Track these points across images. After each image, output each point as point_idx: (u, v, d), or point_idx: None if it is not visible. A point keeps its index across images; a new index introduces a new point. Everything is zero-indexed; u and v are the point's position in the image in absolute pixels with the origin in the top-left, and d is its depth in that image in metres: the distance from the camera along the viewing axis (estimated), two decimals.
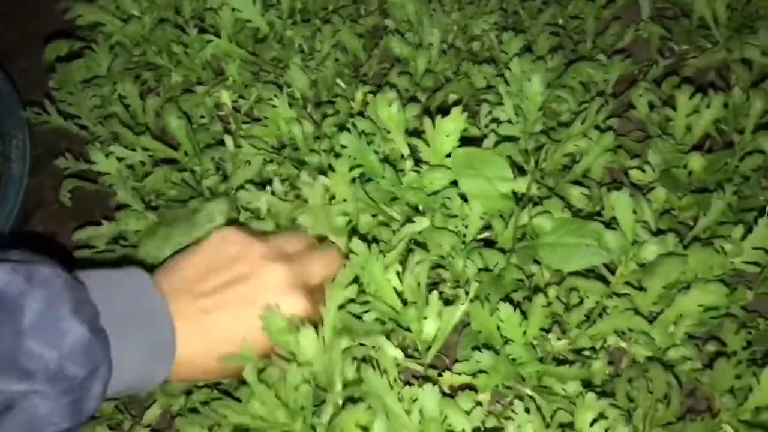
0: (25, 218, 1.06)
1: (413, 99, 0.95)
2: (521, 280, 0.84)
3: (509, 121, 0.91)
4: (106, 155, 0.94)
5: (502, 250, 0.83)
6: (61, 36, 1.06)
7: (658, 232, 0.82)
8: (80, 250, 0.95)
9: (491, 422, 0.76)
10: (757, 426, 0.72)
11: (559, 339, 0.79)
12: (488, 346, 0.74)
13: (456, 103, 0.84)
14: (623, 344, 0.83)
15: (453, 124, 0.79)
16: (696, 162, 0.87)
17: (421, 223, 0.78)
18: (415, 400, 0.69)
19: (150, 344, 0.63)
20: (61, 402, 0.53)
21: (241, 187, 0.86)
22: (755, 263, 0.84)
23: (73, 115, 1.02)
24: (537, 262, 0.84)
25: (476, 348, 0.73)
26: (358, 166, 0.82)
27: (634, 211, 0.83)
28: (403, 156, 0.85)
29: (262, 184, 0.89)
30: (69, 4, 1.04)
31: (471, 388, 0.79)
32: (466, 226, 0.81)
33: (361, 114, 0.93)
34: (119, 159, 0.95)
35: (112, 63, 1.01)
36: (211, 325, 0.68)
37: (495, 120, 0.90)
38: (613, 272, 0.85)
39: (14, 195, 0.95)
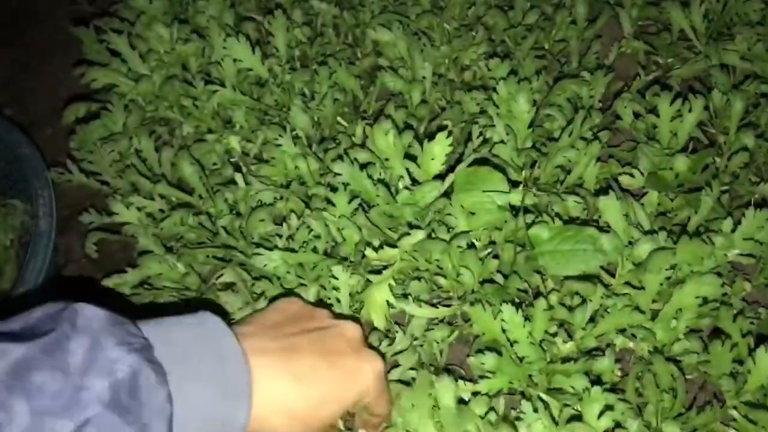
0: (57, 274, 1.12)
1: (409, 127, 1.01)
2: (524, 291, 0.88)
3: (502, 141, 0.96)
4: (127, 206, 1.00)
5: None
6: (78, 99, 1.13)
7: (651, 233, 0.86)
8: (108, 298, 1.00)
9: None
10: (761, 406, 0.74)
11: (565, 342, 0.83)
12: (492, 348, 0.77)
13: (441, 129, 0.89)
14: (631, 344, 0.86)
15: (438, 147, 0.85)
16: (681, 163, 0.91)
17: (417, 235, 0.82)
18: None
19: (220, 378, 0.58)
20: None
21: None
22: (750, 255, 0.87)
23: (95, 172, 1.09)
24: (537, 272, 0.88)
25: (480, 351, 0.77)
26: (356, 197, 0.87)
27: (627, 215, 0.87)
28: (401, 177, 0.90)
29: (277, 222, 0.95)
30: (84, 69, 1.12)
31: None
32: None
33: (361, 146, 0.99)
34: (139, 209, 1.01)
35: (126, 120, 1.08)
36: (297, 363, 0.64)
37: (486, 140, 0.95)
38: (613, 275, 0.88)
39: (43, 249, 1.01)
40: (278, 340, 0.65)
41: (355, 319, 0.80)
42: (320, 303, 0.88)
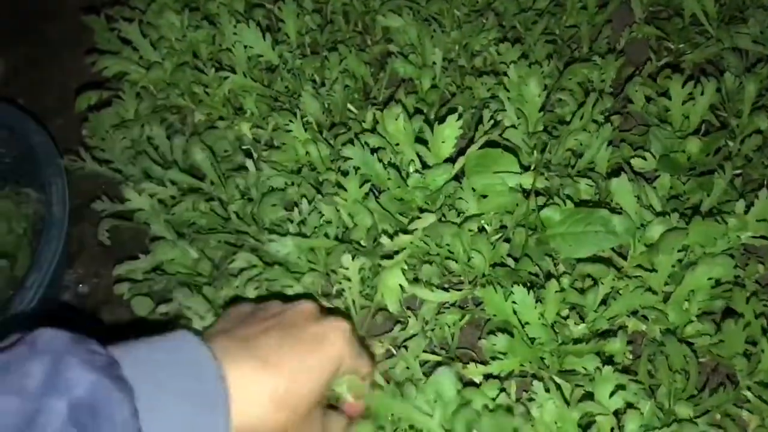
0: (69, 261, 1.13)
1: (419, 112, 1.01)
2: (536, 275, 0.88)
3: (513, 126, 0.96)
4: (139, 193, 1.01)
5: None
6: (90, 88, 1.14)
7: (663, 215, 0.86)
8: (120, 284, 1.01)
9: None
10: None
11: (577, 324, 0.83)
12: (503, 330, 0.77)
13: (451, 111, 0.89)
14: (643, 327, 0.86)
15: (449, 129, 0.85)
16: (693, 145, 0.90)
17: (428, 218, 0.82)
18: None
19: (194, 390, 0.56)
20: None
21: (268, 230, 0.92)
22: (763, 237, 0.87)
23: (107, 160, 1.10)
24: (549, 255, 0.88)
25: (491, 333, 0.77)
26: (367, 181, 0.87)
27: (639, 197, 0.87)
28: (412, 161, 0.90)
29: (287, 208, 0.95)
30: (96, 58, 1.12)
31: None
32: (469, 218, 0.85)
33: (372, 131, 0.99)
34: (151, 195, 1.01)
35: (138, 107, 1.08)
36: (261, 348, 0.63)
37: (497, 123, 0.95)
38: (625, 258, 0.88)
39: (56, 237, 1.02)
40: (238, 337, 0.64)
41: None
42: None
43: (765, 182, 0.92)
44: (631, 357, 0.86)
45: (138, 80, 1.10)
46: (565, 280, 0.86)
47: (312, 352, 0.66)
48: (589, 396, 0.75)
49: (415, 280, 0.90)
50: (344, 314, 0.84)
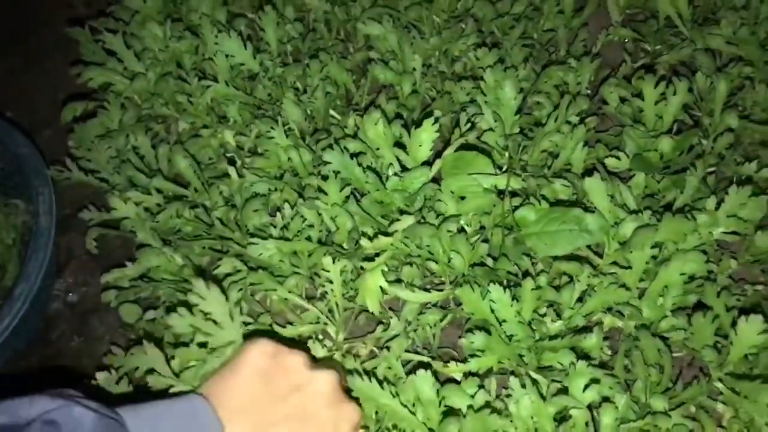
0: (58, 271, 1.14)
1: (400, 117, 1.03)
2: (515, 274, 0.89)
3: (491, 129, 0.98)
4: (125, 201, 1.02)
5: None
6: (76, 98, 1.16)
7: (637, 212, 0.87)
8: (107, 291, 1.03)
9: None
10: (743, 377, 0.76)
11: (554, 321, 0.84)
12: (481, 328, 0.79)
13: (427, 115, 0.91)
14: (620, 323, 0.87)
15: (426, 133, 0.87)
16: (665, 144, 0.92)
17: (407, 220, 0.84)
18: None
19: None
20: None
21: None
22: (735, 233, 0.88)
23: (93, 170, 1.11)
24: (527, 255, 0.90)
25: (469, 330, 0.79)
26: (347, 185, 0.89)
27: (613, 196, 0.89)
28: (391, 164, 0.92)
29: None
30: (81, 69, 1.14)
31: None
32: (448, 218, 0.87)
33: (353, 137, 1.01)
34: (136, 203, 1.03)
35: (123, 117, 1.10)
36: None
37: (474, 127, 0.97)
38: (601, 256, 0.90)
39: (44, 246, 1.03)
40: (255, 421, 0.66)
41: (330, 364, 0.82)
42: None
43: (735, 179, 0.93)
44: (609, 353, 0.87)
45: (122, 91, 1.12)
46: (543, 279, 0.87)
47: None
48: (565, 391, 0.76)
49: (397, 282, 0.92)
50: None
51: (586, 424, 0.73)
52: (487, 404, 0.77)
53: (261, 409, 0.67)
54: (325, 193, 0.90)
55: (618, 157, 0.94)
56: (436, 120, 0.89)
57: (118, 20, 1.19)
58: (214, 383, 0.68)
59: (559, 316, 0.85)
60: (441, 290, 0.92)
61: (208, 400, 0.64)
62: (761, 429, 0.72)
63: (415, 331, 0.92)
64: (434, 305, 0.93)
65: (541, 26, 1.18)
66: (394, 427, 0.76)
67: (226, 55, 1.06)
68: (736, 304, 0.86)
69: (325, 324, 0.93)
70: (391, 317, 0.92)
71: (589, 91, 1.10)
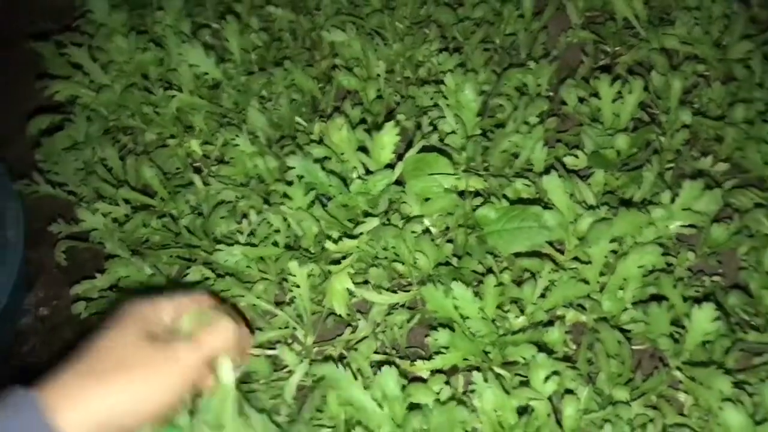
0: (28, 285, 1.14)
1: (364, 122, 1.04)
2: (480, 272, 0.91)
3: (453, 132, 1.00)
4: (93, 212, 1.03)
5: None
6: (42, 112, 1.16)
7: (595, 209, 0.89)
8: (77, 303, 1.03)
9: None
10: (700, 364, 0.78)
11: (517, 317, 0.86)
12: (445, 325, 0.80)
13: (388, 119, 0.93)
14: (583, 318, 0.89)
15: (387, 137, 0.89)
16: (622, 141, 0.94)
17: (371, 222, 0.85)
18: None
19: None
20: None
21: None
22: (692, 226, 0.91)
23: (61, 183, 1.11)
24: (491, 253, 0.92)
25: (433, 328, 0.80)
26: (312, 189, 0.90)
27: (573, 193, 0.90)
28: (355, 168, 0.93)
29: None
30: (47, 83, 1.15)
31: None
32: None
33: (319, 142, 1.02)
34: (104, 215, 1.03)
35: (89, 129, 1.10)
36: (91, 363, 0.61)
37: (436, 129, 0.98)
38: (563, 252, 0.92)
39: (12, 261, 1.03)
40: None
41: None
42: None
43: (684, 173, 0.96)
44: (574, 347, 0.89)
45: (89, 103, 1.12)
46: (506, 276, 0.89)
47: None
48: (527, 384, 0.77)
49: (365, 284, 0.93)
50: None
51: (548, 415, 0.75)
52: (452, 399, 0.78)
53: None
54: (290, 198, 0.91)
55: (576, 156, 0.96)
56: (398, 123, 0.91)
57: (84, 34, 1.19)
58: None
59: (522, 312, 0.86)
60: (408, 291, 0.93)
61: None
62: (718, 415, 0.74)
63: (383, 332, 0.93)
64: (402, 306, 0.94)
65: (503, 30, 1.20)
66: (358, 423, 0.76)
67: (190, 65, 1.07)
68: (694, 295, 0.89)
69: (294, 328, 0.94)
70: (359, 319, 0.93)
71: (550, 93, 1.13)
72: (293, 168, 0.91)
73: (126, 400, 0.60)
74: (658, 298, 0.86)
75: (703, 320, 0.76)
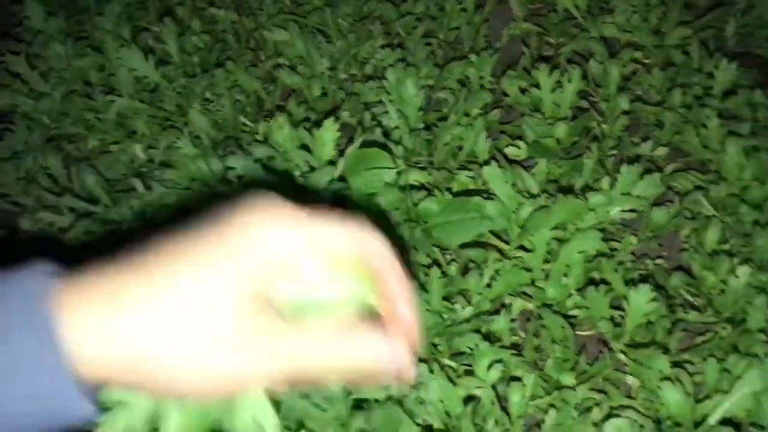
0: None
1: (308, 120, 1.04)
2: (426, 265, 0.91)
3: (397, 128, 1.00)
4: (36, 222, 1.01)
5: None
6: None
7: (535, 197, 0.90)
8: None
9: None
10: (640, 345, 0.79)
11: (464, 308, 0.86)
12: None
13: (327, 116, 0.93)
14: (530, 306, 0.90)
15: (327, 134, 0.89)
16: (561, 130, 0.95)
17: None
18: None
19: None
20: None
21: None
22: (633, 210, 0.92)
23: (3, 193, 1.09)
24: (437, 246, 0.92)
25: None
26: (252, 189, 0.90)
27: (515, 183, 0.91)
28: (297, 165, 0.93)
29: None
30: None
31: None
32: None
33: (263, 142, 1.02)
34: (48, 224, 1.01)
35: (29, 138, 1.08)
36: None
37: (381, 124, 0.98)
38: (508, 243, 0.93)
39: None
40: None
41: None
42: None
43: (626, 159, 0.97)
44: (523, 335, 0.90)
45: (29, 112, 1.10)
46: (453, 267, 0.89)
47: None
48: (473, 373, 0.78)
49: None
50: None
51: (492, 402, 0.75)
52: (390, 398, 0.78)
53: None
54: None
55: (518, 146, 0.97)
56: (337, 119, 0.91)
57: (21, 41, 1.17)
58: None
59: (469, 302, 0.87)
60: None
61: None
62: (659, 394, 0.75)
63: None
64: None
65: (446, 24, 1.21)
66: (302, 426, 0.76)
67: (129, 69, 1.06)
68: (637, 278, 0.90)
69: None
70: None
71: (495, 85, 1.13)
72: (234, 168, 0.90)
73: (185, 344, 0.38)
74: (602, 283, 0.87)
75: (641, 301, 0.77)
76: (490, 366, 0.75)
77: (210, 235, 0.40)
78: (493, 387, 0.75)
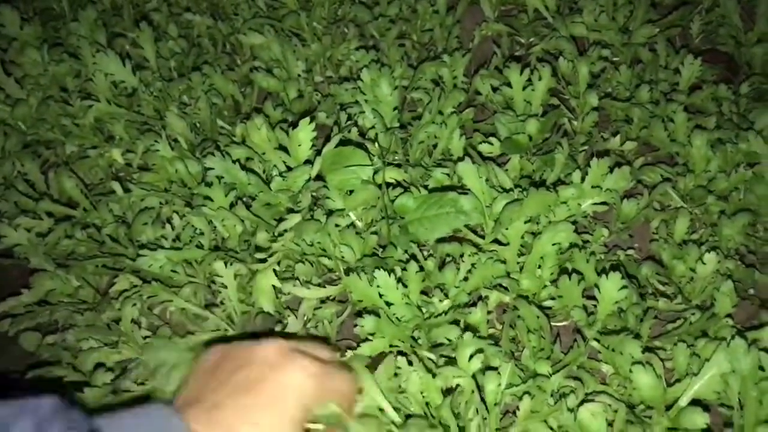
0: None
1: (285, 122, 1.05)
2: (405, 260, 0.93)
3: (372, 127, 1.02)
4: (15, 228, 1.01)
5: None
6: None
7: (508, 191, 0.92)
8: (3, 321, 1.01)
9: None
10: (613, 332, 0.81)
11: (441, 301, 0.88)
12: (371, 312, 0.82)
13: (303, 116, 0.94)
14: (506, 298, 0.92)
15: (303, 133, 0.90)
16: (532, 126, 0.98)
17: (293, 219, 0.87)
18: None
19: None
20: None
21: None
22: (604, 203, 0.94)
23: None
24: (414, 242, 0.94)
25: (359, 314, 0.82)
26: (233, 189, 0.91)
27: (488, 179, 0.93)
28: (275, 166, 0.94)
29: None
30: None
31: None
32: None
33: (241, 144, 1.03)
34: (27, 229, 1.02)
35: (6, 144, 1.09)
36: (223, 419, 0.64)
37: (357, 124, 1.00)
38: (483, 237, 0.95)
39: None
40: (207, 407, 0.65)
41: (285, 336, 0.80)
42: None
43: (596, 153, 1.00)
44: (500, 327, 0.92)
45: (5, 118, 1.11)
46: (430, 262, 0.91)
47: (275, 404, 0.65)
48: (453, 363, 0.80)
49: (294, 280, 0.94)
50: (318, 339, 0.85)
51: (472, 391, 0.77)
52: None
53: (207, 394, 0.66)
54: (211, 200, 0.91)
55: (491, 143, 0.99)
56: (312, 119, 0.92)
57: None
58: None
59: (446, 295, 0.89)
60: (337, 284, 0.95)
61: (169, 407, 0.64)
62: (631, 379, 0.77)
63: (315, 327, 0.94)
64: (332, 300, 0.96)
65: (419, 26, 1.23)
66: None
67: (106, 74, 1.07)
68: (609, 269, 0.92)
69: (226, 330, 0.95)
70: (289, 315, 0.94)
71: (468, 85, 1.16)
72: (212, 169, 0.91)
73: None
74: (575, 272, 0.89)
75: (612, 289, 0.79)
76: (471, 356, 0.77)
77: (259, 395, 0.65)
78: (473, 377, 0.77)
